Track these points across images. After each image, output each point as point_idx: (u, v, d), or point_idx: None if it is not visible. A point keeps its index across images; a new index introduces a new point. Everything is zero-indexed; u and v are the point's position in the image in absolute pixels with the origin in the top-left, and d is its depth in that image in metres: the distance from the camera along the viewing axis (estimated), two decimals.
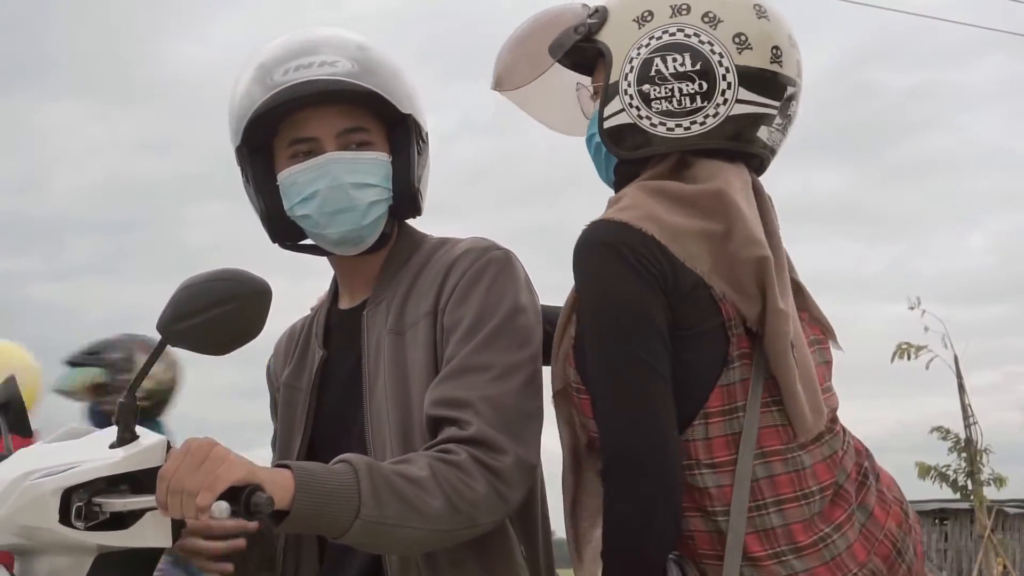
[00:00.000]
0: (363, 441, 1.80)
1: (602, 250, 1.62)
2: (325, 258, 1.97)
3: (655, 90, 1.71)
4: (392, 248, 1.91)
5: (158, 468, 1.57)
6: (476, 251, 1.82)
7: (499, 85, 1.93)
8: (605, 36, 1.77)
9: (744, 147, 1.74)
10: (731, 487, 1.60)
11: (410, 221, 1.95)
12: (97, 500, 1.55)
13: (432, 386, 1.73)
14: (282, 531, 1.64)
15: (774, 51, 1.73)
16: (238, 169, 1.92)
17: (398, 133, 1.86)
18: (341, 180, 1.79)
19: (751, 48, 1.72)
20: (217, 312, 1.58)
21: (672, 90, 1.70)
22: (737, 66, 1.70)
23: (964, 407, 19.51)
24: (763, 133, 1.75)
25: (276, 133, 1.84)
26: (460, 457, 1.64)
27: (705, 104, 1.70)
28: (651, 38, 1.72)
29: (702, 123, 1.71)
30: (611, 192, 1.82)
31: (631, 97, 1.72)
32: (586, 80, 1.87)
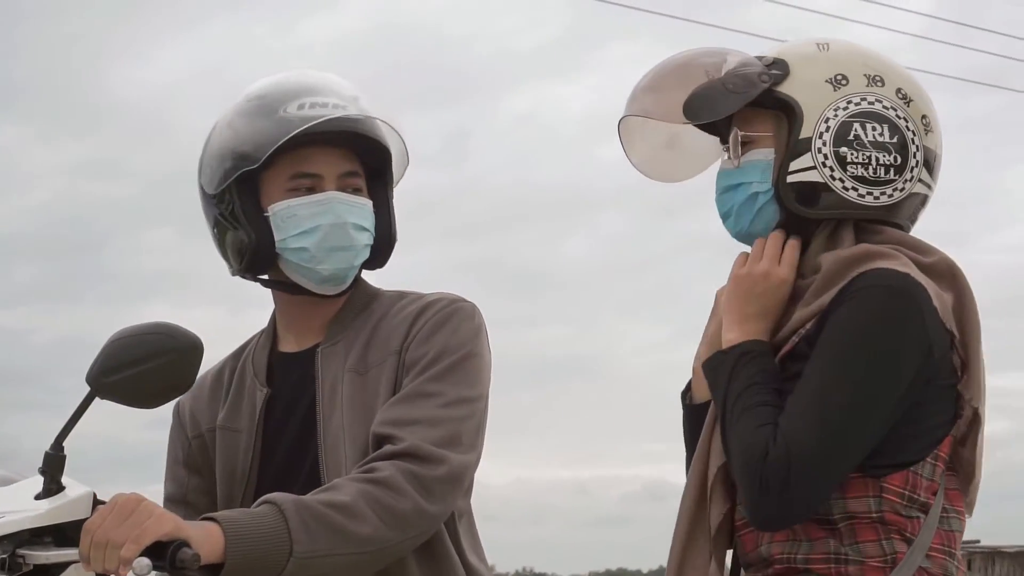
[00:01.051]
0: (316, 479, 1.79)
1: (892, 292, 1.64)
2: (271, 292, 1.97)
3: (852, 154, 1.73)
4: (352, 295, 1.93)
5: (84, 520, 1.55)
6: (446, 300, 1.87)
7: (638, 110, 1.87)
8: (792, 90, 1.77)
9: (909, 226, 1.81)
10: (939, 530, 1.68)
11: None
12: (21, 552, 1.53)
13: (382, 409, 1.77)
14: None
15: (940, 138, 1.82)
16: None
17: (378, 184, 1.92)
18: (344, 219, 1.83)
19: (932, 132, 1.79)
20: (148, 366, 1.58)
21: (869, 158, 1.72)
22: (924, 147, 1.77)
23: None
24: (920, 212, 1.83)
25: (270, 166, 1.84)
26: (385, 473, 1.66)
27: (896, 178, 1.74)
28: (849, 102, 1.74)
29: (890, 195, 1.74)
30: (738, 245, 1.85)
31: (825, 156, 1.73)
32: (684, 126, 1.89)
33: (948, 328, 1.66)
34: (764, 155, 1.78)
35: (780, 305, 1.75)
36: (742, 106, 1.77)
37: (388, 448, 1.70)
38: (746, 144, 1.79)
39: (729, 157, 1.82)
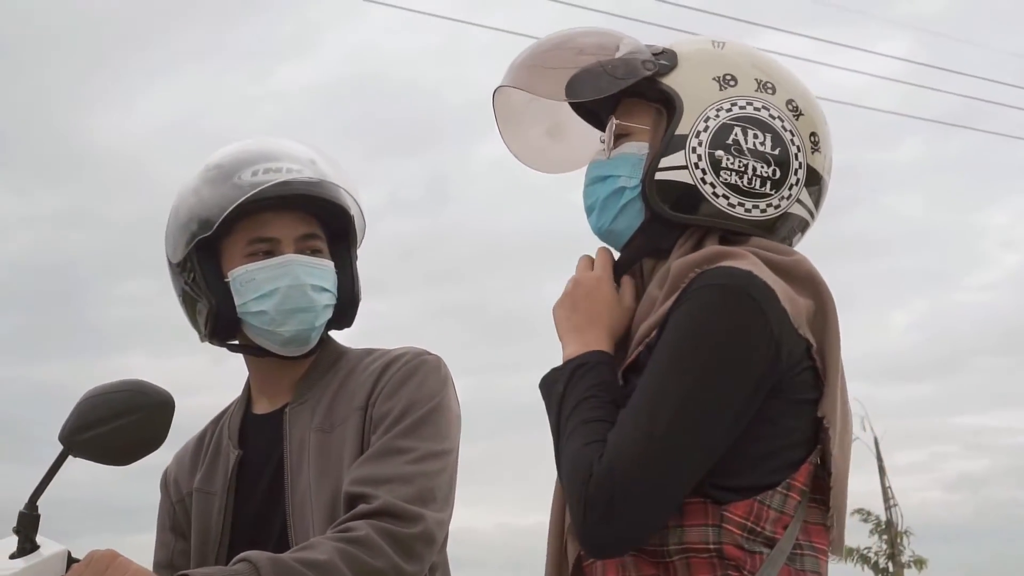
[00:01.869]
0: (285, 538, 1.81)
1: (729, 290, 1.48)
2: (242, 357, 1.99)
3: (728, 160, 1.58)
4: (319, 355, 1.95)
5: None
6: (411, 354, 1.88)
7: (513, 81, 1.72)
8: (676, 82, 1.64)
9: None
10: (785, 566, 1.51)
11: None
12: None
13: (353, 467, 1.77)
14: None
15: (830, 163, 1.68)
16: (161, 248, 1.95)
17: (341, 245, 1.94)
18: (302, 280, 1.85)
19: (820, 152, 1.65)
20: (120, 423, 1.60)
21: (746, 166, 1.58)
22: (809, 165, 1.62)
23: (884, 490, 19.80)
24: (795, 240, 1.69)
25: (229, 232, 1.87)
26: (361, 533, 1.67)
27: (772, 192, 1.60)
28: (733, 104, 1.61)
29: (763, 210, 1.60)
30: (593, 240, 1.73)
31: (699, 158, 1.59)
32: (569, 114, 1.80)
33: (802, 334, 1.50)
34: (637, 148, 1.65)
35: (609, 310, 1.62)
36: (617, 90, 1.65)
37: (363, 507, 1.71)
38: (621, 136, 1.67)
39: (603, 148, 1.69)
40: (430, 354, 1.91)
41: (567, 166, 1.83)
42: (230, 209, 1.82)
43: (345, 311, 1.94)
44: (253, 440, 1.95)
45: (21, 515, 1.61)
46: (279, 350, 1.91)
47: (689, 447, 1.44)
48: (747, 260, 1.52)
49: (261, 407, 1.97)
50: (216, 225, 1.84)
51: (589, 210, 1.71)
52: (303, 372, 1.94)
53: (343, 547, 1.65)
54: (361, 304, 1.99)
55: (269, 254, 1.86)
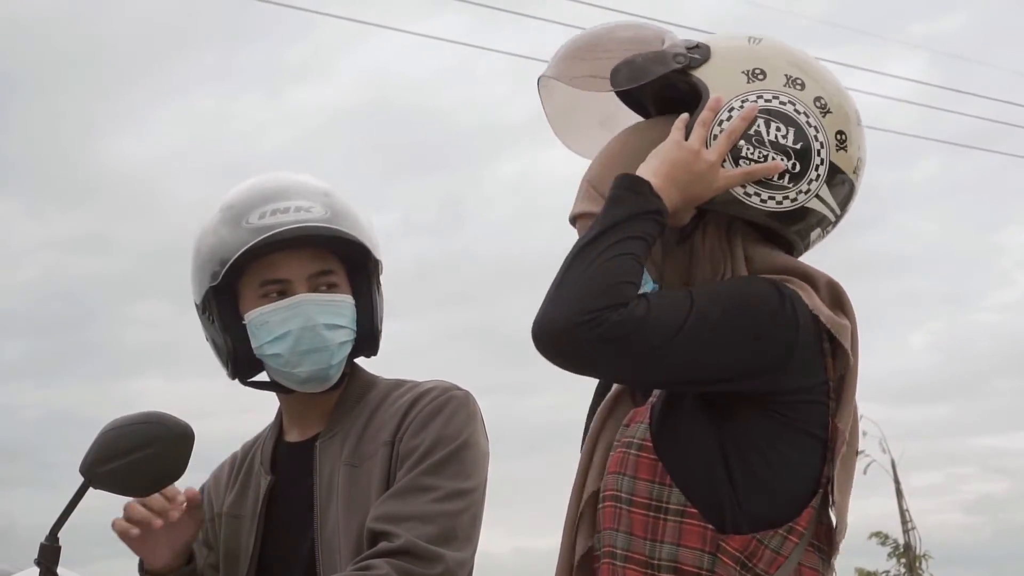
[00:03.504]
0: (313, 569, 1.81)
1: (773, 284, 1.53)
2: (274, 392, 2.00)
3: (748, 150, 1.59)
4: (348, 386, 1.95)
5: None
6: (439, 389, 1.88)
7: (556, 74, 1.74)
8: (706, 75, 1.64)
9: (795, 240, 1.66)
10: None
11: (360, 360, 2.00)
12: None
13: (376, 504, 1.77)
14: None
15: (859, 162, 1.67)
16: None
17: (360, 276, 1.93)
18: (314, 320, 1.84)
19: (846, 150, 1.63)
20: (140, 455, 1.61)
21: (765, 157, 1.58)
22: (831, 163, 1.61)
23: (902, 512, 19.68)
24: (815, 235, 1.69)
25: (243, 274, 1.88)
26: (381, 572, 1.67)
27: (789, 186, 1.59)
28: (759, 97, 1.61)
29: (779, 202, 1.60)
30: None
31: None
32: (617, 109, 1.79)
33: (825, 366, 1.54)
34: None
35: (698, 190, 1.60)
36: (647, 80, 1.65)
37: (384, 545, 1.71)
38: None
39: None
40: (459, 389, 1.90)
41: None
42: (235, 257, 1.84)
43: (367, 342, 1.93)
44: (284, 468, 1.95)
45: (42, 547, 1.63)
46: (300, 388, 1.91)
47: (694, 357, 1.48)
48: (798, 286, 1.55)
49: (293, 435, 1.98)
50: (222, 274, 1.85)
51: None
52: (333, 403, 1.94)
53: None
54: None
55: (283, 294, 1.86)
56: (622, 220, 1.53)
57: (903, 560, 20.12)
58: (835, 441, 1.53)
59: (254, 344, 1.87)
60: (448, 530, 1.74)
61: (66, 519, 1.64)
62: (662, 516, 1.51)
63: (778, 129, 1.60)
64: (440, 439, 1.81)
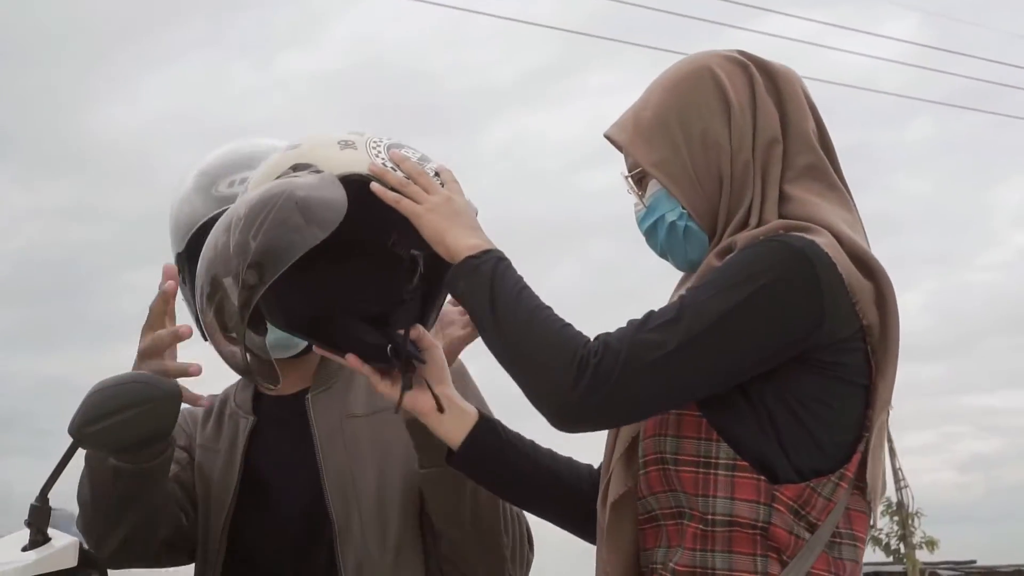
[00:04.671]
0: (323, 514, 1.84)
1: (786, 247, 1.48)
2: None
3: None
4: None
5: (71, 570, 1.59)
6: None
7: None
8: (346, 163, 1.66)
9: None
10: (823, 553, 1.51)
11: None
12: None
13: None
14: None
15: None
16: (166, 236, 1.97)
17: None
18: None
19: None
20: (128, 415, 1.61)
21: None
22: None
23: (895, 471, 19.83)
24: None
25: None
26: None
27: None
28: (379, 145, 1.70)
29: None
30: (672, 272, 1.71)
31: None
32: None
33: (859, 312, 1.50)
34: (659, 183, 1.64)
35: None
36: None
37: None
38: (640, 181, 1.67)
39: (636, 202, 1.69)
40: None
41: None
42: (196, 227, 1.87)
43: None
44: (269, 413, 1.96)
45: (32, 508, 1.63)
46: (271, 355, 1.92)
47: (704, 365, 1.45)
48: (820, 235, 1.51)
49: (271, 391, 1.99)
50: (185, 243, 1.89)
51: (663, 256, 1.70)
52: (316, 363, 1.96)
53: None
54: None
55: None
56: (490, 293, 1.53)
57: (896, 518, 20.29)
58: (876, 386, 1.52)
59: None
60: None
61: (55, 480, 1.65)
62: (712, 472, 1.50)
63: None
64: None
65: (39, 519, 1.63)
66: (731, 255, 1.51)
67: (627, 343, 1.44)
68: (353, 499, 1.83)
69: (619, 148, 1.69)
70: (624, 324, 1.48)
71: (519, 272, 1.57)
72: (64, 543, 1.63)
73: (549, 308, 1.52)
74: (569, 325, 1.49)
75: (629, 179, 1.67)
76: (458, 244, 1.57)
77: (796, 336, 1.46)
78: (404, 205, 1.58)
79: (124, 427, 1.62)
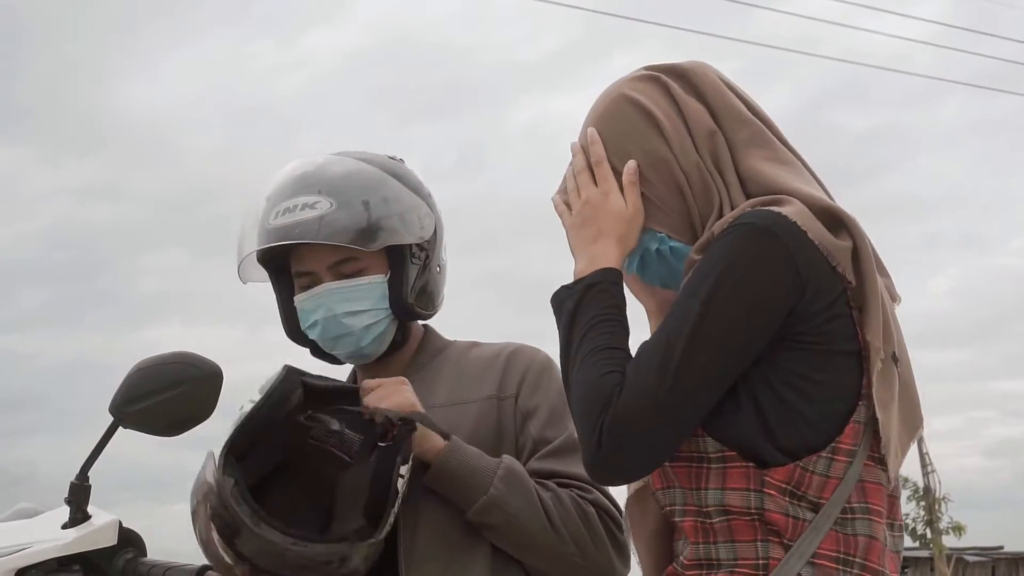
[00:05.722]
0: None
1: (754, 228, 1.48)
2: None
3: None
4: (419, 346, 2.03)
5: (110, 548, 1.59)
6: (529, 349, 2.01)
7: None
8: None
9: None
10: (832, 531, 1.49)
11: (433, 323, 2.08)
12: None
13: (541, 460, 1.89)
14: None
15: None
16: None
17: (395, 250, 1.94)
18: (334, 311, 1.90)
19: None
20: (169, 394, 1.62)
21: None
22: None
23: (922, 456, 19.72)
24: None
25: (290, 259, 1.96)
26: (597, 524, 1.86)
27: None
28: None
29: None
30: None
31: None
32: None
33: (840, 271, 1.49)
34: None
35: (617, 222, 1.61)
36: None
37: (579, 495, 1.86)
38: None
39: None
40: (542, 351, 2.00)
41: None
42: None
43: (401, 315, 1.95)
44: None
45: (73, 486, 1.64)
46: (350, 363, 2.01)
47: (699, 382, 1.45)
48: (788, 205, 1.50)
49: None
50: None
51: (666, 287, 1.67)
52: (406, 362, 2.01)
53: (583, 515, 1.84)
54: None
55: (311, 284, 1.92)
56: (568, 330, 1.56)
57: (923, 503, 20.20)
58: (868, 352, 1.49)
59: (301, 325, 1.95)
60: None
61: (96, 458, 1.65)
62: (704, 465, 1.51)
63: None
64: (561, 399, 1.88)
65: (79, 497, 1.64)
66: (702, 257, 1.50)
67: (627, 406, 1.45)
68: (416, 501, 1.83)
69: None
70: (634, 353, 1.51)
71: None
72: (104, 521, 1.63)
73: (607, 348, 1.53)
74: (609, 374, 1.49)
75: None
76: (575, 266, 1.62)
77: (779, 311, 1.46)
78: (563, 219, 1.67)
79: (165, 407, 1.62)
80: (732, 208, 1.56)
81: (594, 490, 1.86)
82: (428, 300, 1.99)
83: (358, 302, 1.92)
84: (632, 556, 1.75)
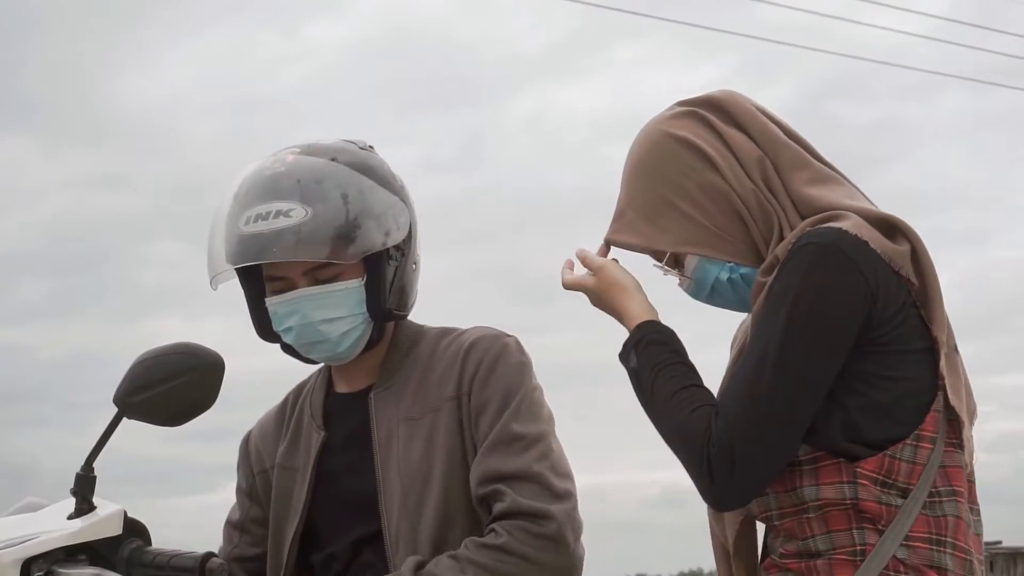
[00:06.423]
0: (375, 515, 1.85)
1: (819, 248, 1.54)
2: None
3: None
4: (392, 342, 1.96)
5: (115, 538, 1.61)
6: (489, 338, 1.91)
7: None
8: None
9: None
10: (921, 515, 1.56)
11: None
12: (56, 570, 1.58)
13: (474, 465, 1.82)
14: None
15: None
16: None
17: (373, 254, 1.86)
18: (310, 318, 1.84)
19: None
20: (173, 384, 1.63)
21: None
22: None
23: None
24: None
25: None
26: (501, 539, 1.74)
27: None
28: None
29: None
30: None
31: None
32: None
33: (904, 275, 1.56)
34: (693, 257, 1.71)
35: (631, 280, 1.73)
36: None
37: (500, 507, 1.76)
38: (674, 260, 1.74)
39: (680, 280, 1.76)
40: (507, 335, 1.92)
41: None
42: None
43: (377, 319, 1.90)
44: (337, 421, 1.97)
45: (78, 477, 1.65)
46: (324, 363, 1.97)
47: (792, 402, 1.53)
48: (846, 220, 1.57)
49: (342, 387, 1.99)
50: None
51: (743, 310, 1.77)
52: (381, 357, 1.96)
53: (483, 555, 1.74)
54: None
55: (285, 289, 1.85)
56: (637, 378, 1.67)
57: None
58: (937, 346, 1.57)
59: (273, 326, 1.89)
60: (545, 481, 1.78)
61: (100, 449, 1.66)
62: (796, 468, 1.59)
63: None
64: (510, 388, 1.84)
65: (85, 488, 1.65)
66: (772, 282, 1.57)
67: (729, 435, 1.54)
68: (401, 502, 1.83)
69: (634, 249, 1.75)
70: (717, 394, 1.62)
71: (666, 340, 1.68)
72: (109, 511, 1.64)
73: (682, 388, 1.62)
74: (696, 410, 1.58)
75: (663, 267, 1.74)
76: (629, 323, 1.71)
77: (856, 322, 1.53)
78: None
79: (169, 397, 1.63)
80: (791, 228, 1.63)
81: (520, 499, 1.75)
82: (404, 299, 1.94)
83: (334, 309, 1.85)
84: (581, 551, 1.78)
